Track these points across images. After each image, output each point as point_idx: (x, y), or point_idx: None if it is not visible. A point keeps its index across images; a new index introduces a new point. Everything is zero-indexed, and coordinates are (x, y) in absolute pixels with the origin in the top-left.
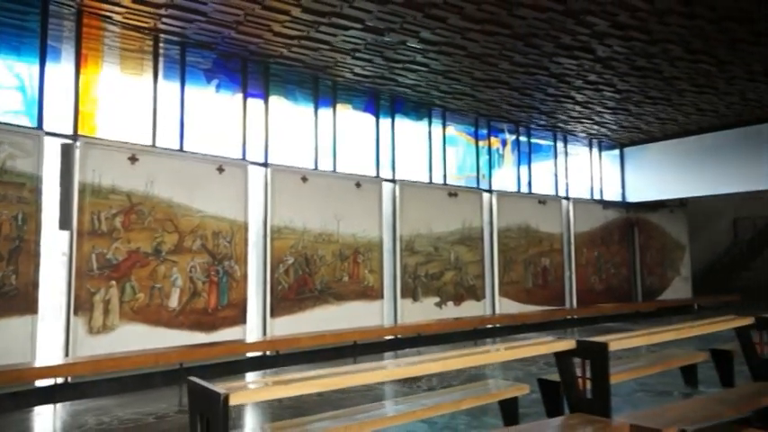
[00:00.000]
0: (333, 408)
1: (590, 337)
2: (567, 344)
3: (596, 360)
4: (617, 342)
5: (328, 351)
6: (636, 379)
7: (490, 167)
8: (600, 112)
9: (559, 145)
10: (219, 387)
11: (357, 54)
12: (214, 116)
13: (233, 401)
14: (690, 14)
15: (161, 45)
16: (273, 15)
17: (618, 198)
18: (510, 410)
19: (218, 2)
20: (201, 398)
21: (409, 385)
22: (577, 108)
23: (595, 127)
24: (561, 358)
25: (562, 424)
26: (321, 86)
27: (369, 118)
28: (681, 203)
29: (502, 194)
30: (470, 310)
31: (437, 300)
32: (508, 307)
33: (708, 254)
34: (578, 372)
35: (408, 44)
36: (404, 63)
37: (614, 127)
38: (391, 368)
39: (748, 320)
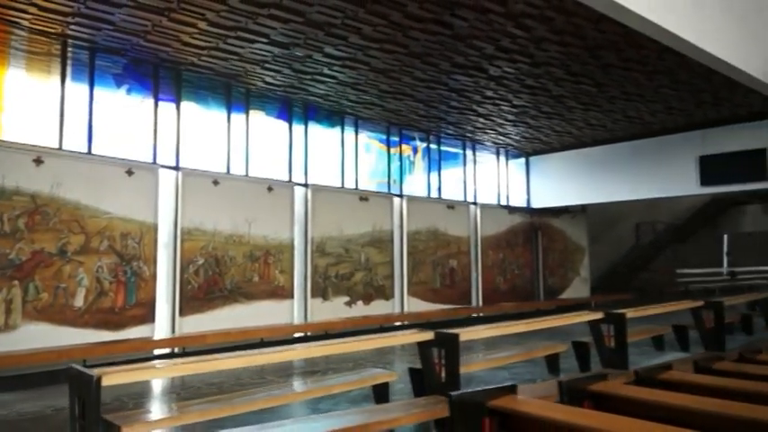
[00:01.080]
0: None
1: (446, 330)
2: (427, 335)
3: (449, 349)
4: (467, 333)
5: (236, 348)
6: (509, 369)
7: (401, 173)
8: (501, 123)
9: (468, 153)
10: (93, 371)
11: (266, 65)
12: (124, 120)
13: (105, 382)
14: (562, 42)
15: (69, 49)
16: (180, 27)
17: (523, 204)
18: (381, 394)
19: (125, 12)
20: (78, 381)
21: (307, 377)
22: (481, 120)
23: (500, 137)
24: (422, 348)
25: (415, 402)
26: (234, 93)
27: (282, 124)
28: (582, 209)
29: (412, 199)
30: (379, 308)
31: (347, 299)
32: (416, 306)
33: (612, 255)
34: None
35: (314, 58)
36: (312, 75)
37: (517, 138)
38: (258, 355)
39: (599, 315)
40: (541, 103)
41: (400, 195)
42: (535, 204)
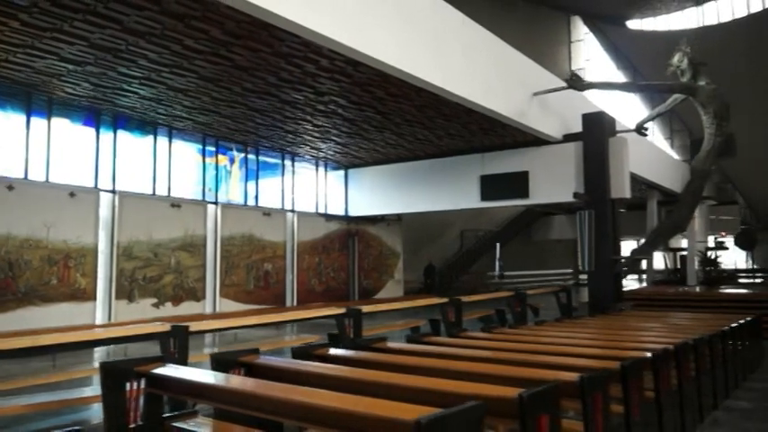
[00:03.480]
0: None
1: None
2: (341, 309)
3: (180, 339)
4: (197, 324)
5: (29, 349)
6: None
7: (217, 182)
8: (311, 140)
9: (288, 164)
10: None
11: (62, 78)
12: None
13: None
14: (333, 78)
15: None
16: None
17: (342, 212)
18: None
19: None
20: None
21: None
22: (290, 135)
23: (314, 151)
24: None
25: None
26: (36, 100)
27: (90, 132)
28: (398, 218)
29: (227, 206)
30: (190, 309)
31: (155, 301)
32: (229, 306)
33: (438, 259)
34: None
35: (110, 75)
36: (113, 89)
37: (331, 152)
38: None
39: (342, 310)
40: (338, 125)
41: (215, 203)
42: (353, 213)
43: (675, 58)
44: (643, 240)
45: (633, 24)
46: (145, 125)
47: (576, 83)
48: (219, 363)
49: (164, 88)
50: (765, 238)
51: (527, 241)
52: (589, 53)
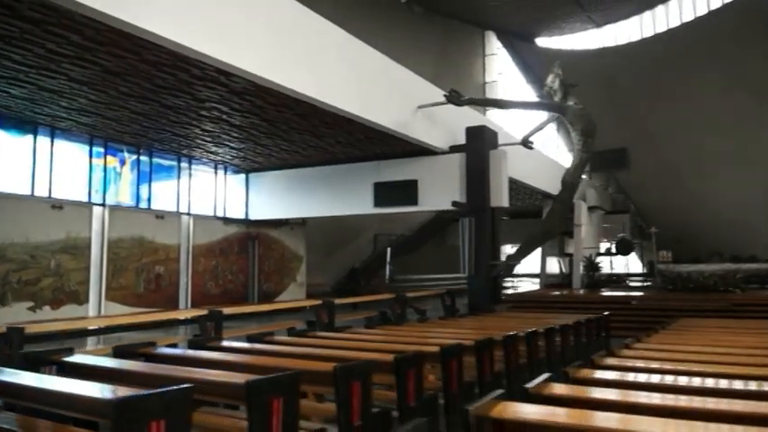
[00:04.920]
0: None
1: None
2: (317, 301)
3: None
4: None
5: None
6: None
7: (105, 184)
8: (204, 144)
9: (185, 166)
10: None
11: None
12: None
13: None
14: (206, 86)
15: None
16: None
17: (242, 216)
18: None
19: None
20: None
21: None
22: (181, 138)
23: (212, 155)
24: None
25: None
26: None
27: None
28: (302, 222)
29: (115, 208)
30: (71, 313)
31: (31, 304)
32: (115, 309)
33: (353, 262)
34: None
35: None
36: None
37: (228, 156)
38: None
39: (203, 312)
40: (227, 131)
41: (102, 205)
42: (253, 216)
43: (549, 79)
44: (517, 246)
45: (541, 42)
46: (24, 124)
47: (454, 98)
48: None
49: (35, 89)
50: (648, 245)
51: (441, 245)
52: (502, 67)
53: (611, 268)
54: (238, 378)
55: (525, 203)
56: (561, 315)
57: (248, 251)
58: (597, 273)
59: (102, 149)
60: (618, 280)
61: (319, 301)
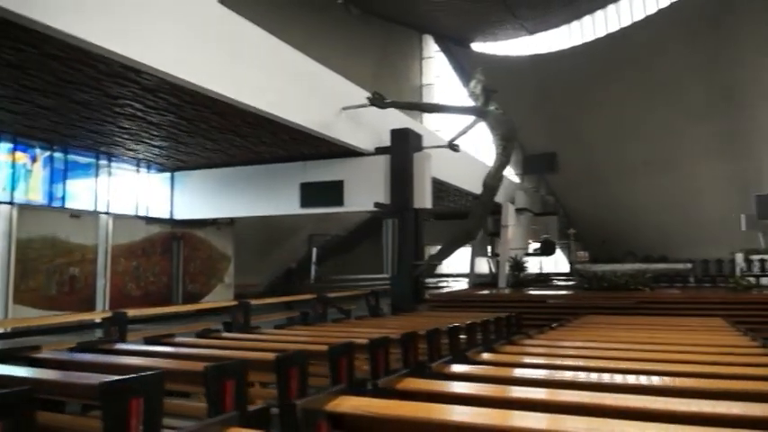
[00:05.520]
0: None
1: None
2: (235, 302)
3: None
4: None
5: None
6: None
7: (13, 181)
8: (122, 141)
9: (105, 164)
10: None
11: None
12: None
13: None
14: (117, 83)
15: None
16: None
17: (167, 215)
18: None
19: None
20: None
21: None
22: (97, 135)
23: (132, 152)
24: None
25: None
26: None
27: None
28: (231, 221)
29: (25, 207)
30: None
31: None
32: (24, 312)
33: (288, 262)
34: None
35: None
36: None
37: (151, 155)
38: None
39: (108, 314)
40: (146, 128)
41: (10, 203)
42: (178, 216)
43: (471, 84)
44: (439, 247)
45: (477, 47)
46: None
47: (377, 101)
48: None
49: None
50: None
51: (378, 246)
52: (439, 70)
53: (541, 268)
54: (93, 379)
55: (457, 205)
56: (483, 314)
57: (172, 251)
58: (522, 273)
59: (10, 145)
60: (544, 279)
61: (235, 303)
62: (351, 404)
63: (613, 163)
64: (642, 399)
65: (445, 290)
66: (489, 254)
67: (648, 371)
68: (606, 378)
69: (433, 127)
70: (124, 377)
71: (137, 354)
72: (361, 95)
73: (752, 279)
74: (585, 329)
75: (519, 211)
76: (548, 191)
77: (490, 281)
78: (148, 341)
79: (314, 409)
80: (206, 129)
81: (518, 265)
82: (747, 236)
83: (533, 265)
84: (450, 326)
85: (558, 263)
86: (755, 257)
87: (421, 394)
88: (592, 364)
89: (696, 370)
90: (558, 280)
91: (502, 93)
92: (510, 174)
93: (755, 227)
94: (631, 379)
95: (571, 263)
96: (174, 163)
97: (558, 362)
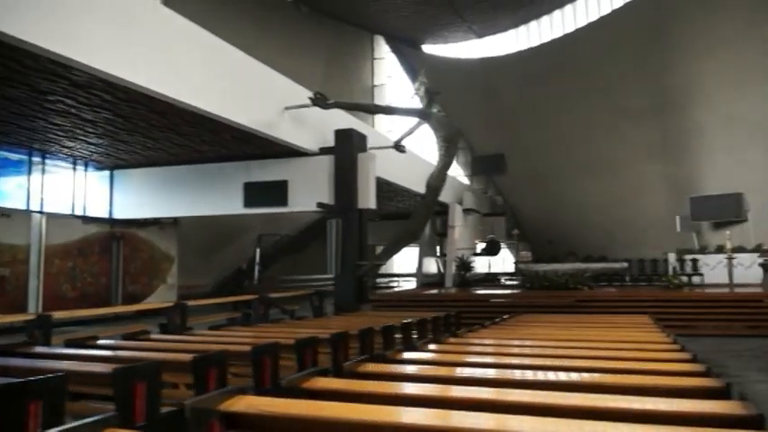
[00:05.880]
0: None
1: None
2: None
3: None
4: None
5: None
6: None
7: None
8: (56, 138)
9: (38, 161)
10: None
11: None
12: None
13: None
14: (49, 79)
15: None
16: None
17: (106, 214)
18: None
19: None
20: None
21: None
22: (28, 132)
23: (68, 150)
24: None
25: None
26: None
27: None
28: (174, 221)
29: None
30: None
31: None
32: None
33: (236, 261)
34: None
35: None
36: None
37: (87, 152)
38: None
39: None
40: (80, 125)
41: None
42: (118, 215)
43: (415, 86)
44: (383, 247)
45: (427, 49)
46: None
47: (319, 101)
48: None
49: None
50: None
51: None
52: (390, 71)
53: (489, 268)
54: None
55: (405, 205)
56: (426, 313)
57: (112, 252)
58: (469, 272)
59: None
60: (491, 279)
61: (170, 304)
62: (245, 403)
63: (557, 164)
64: (551, 395)
65: (396, 290)
66: (438, 254)
67: (564, 367)
68: (518, 375)
69: (386, 128)
70: (23, 380)
71: (52, 357)
72: (307, 95)
73: (684, 278)
74: (515, 327)
75: (467, 211)
76: (496, 192)
77: (438, 281)
78: (69, 344)
79: (205, 409)
80: (145, 127)
81: (465, 265)
82: (682, 237)
83: (482, 264)
84: (384, 325)
85: (506, 262)
86: (688, 257)
87: (325, 393)
88: (511, 361)
89: (613, 366)
90: (505, 279)
91: (453, 94)
92: (459, 175)
93: (689, 228)
94: (545, 375)
95: (515, 263)
96: (114, 161)
97: (477, 359)
